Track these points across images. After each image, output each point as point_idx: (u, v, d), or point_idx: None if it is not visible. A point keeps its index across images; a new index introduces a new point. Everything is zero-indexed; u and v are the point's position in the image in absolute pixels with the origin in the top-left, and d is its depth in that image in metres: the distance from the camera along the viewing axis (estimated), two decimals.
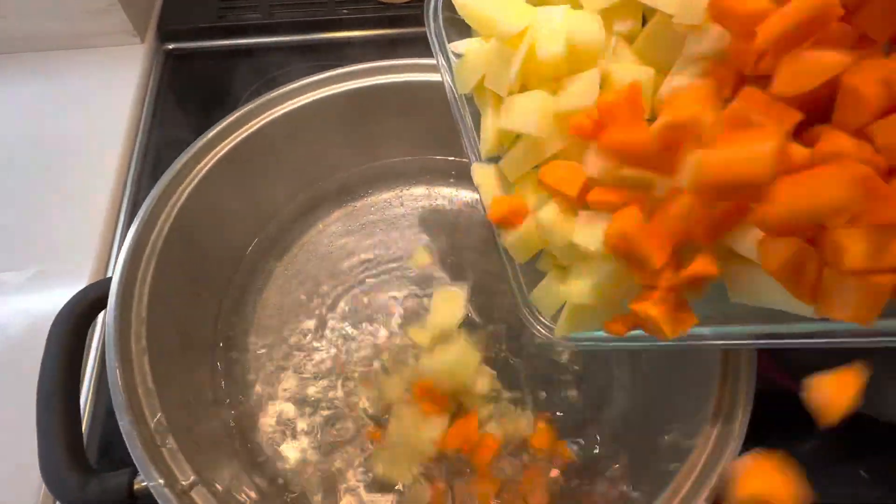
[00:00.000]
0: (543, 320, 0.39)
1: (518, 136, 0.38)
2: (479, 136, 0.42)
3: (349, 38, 0.85)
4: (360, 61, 0.57)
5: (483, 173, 0.41)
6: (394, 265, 0.60)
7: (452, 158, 0.65)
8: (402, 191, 0.65)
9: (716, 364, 0.41)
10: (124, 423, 0.38)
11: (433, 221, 0.63)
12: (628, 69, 0.35)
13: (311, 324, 0.56)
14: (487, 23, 0.37)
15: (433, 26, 0.44)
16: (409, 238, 0.62)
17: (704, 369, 0.42)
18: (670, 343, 0.33)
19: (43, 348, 0.43)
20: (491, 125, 0.39)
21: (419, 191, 0.65)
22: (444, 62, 0.44)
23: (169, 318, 0.47)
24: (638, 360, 0.53)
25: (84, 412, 0.55)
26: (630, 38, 0.37)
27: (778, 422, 0.42)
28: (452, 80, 0.43)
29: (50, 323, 0.44)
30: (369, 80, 0.57)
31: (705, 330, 0.34)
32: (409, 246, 0.61)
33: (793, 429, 0.54)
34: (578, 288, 0.34)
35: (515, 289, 0.40)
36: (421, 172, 0.65)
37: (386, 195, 0.65)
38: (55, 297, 0.54)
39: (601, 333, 0.36)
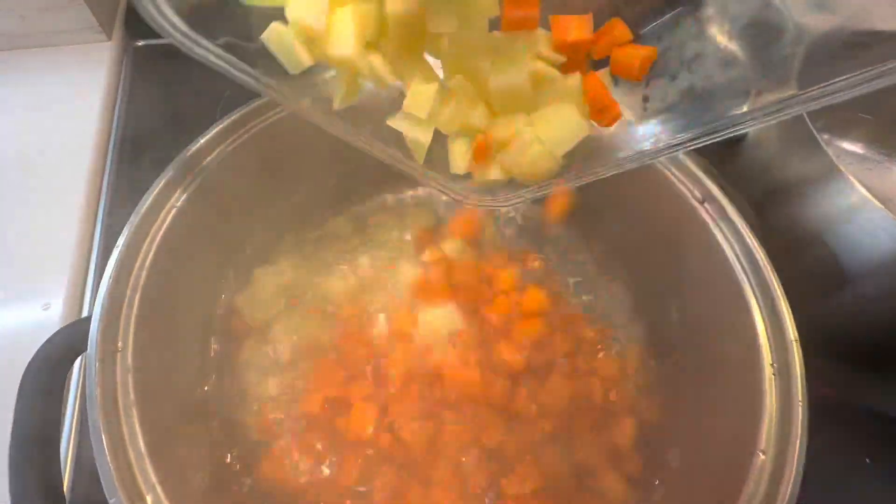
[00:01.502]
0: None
1: None
2: None
3: None
4: None
5: None
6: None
7: None
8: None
9: None
10: (115, 501, 0.33)
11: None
12: None
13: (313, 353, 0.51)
14: None
15: None
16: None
17: None
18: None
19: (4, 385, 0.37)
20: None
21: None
22: None
23: (159, 362, 0.41)
24: None
25: (66, 460, 0.50)
26: None
27: None
28: None
29: (9, 356, 0.39)
30: None
31: None
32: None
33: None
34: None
35: None
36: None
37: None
38: (23, 327, 0.48)
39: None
